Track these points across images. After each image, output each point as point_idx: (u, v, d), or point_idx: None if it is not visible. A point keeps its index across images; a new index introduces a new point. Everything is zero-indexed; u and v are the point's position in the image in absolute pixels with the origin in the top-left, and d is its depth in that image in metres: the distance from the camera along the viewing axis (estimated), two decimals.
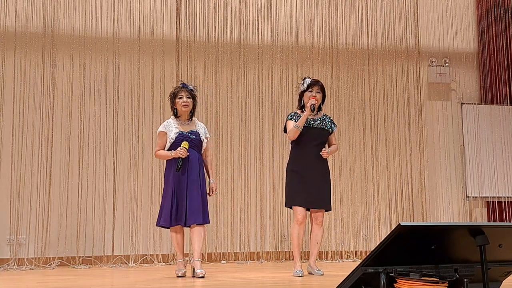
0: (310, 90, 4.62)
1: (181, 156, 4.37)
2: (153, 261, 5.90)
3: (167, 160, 4.55)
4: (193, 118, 4.65)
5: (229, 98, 6.38)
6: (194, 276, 4.41)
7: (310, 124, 4.61)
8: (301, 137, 4.57)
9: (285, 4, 6.60)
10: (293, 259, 4.66)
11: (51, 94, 5.97)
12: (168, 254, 5.96)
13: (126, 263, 5.80)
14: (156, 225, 4.61)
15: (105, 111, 6.10)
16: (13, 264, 5.55)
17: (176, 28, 6.32)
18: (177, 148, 4.43)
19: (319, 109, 4.72)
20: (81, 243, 5.81)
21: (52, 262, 5.66)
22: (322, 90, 4.67)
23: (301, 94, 4.69)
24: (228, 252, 6.13)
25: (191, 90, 4.61)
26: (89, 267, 5.64)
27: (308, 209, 4.62)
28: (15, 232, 5.67)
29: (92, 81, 6.10)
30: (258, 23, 6.52)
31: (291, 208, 4.68)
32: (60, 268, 5.60)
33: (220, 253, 6.11)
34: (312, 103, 4.52)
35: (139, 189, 6.02)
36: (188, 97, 4.57)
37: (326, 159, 4.64)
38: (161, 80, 6.24)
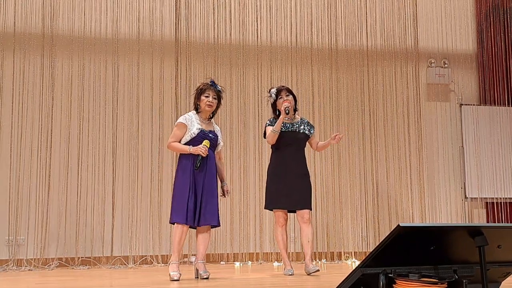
0: (280, 97, 4.77)
1: (202, 154, 4.28)
2: (152, 262, 5.89)
3: (182, 155, 4.40)
4: (212, 120, 4.59)
5: (228, 99, 6.38)
6: (197, 277, 4.40)
7: (288, 128, 4.75)
8: (280, 141, 4.71)
9: (284, 5, 6.60)
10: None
11: (50, 95, 5.97)
12: (167, 255, 5.95)
13: (125, 264, 5.80)
14: (171, 222, 4.39)
15: (104, 112, 6.09)
16: (12, 265, 5.55)
17: (175, 29, 6.32)
18: (196, 144, 4.33)
19: (295, 111, 4.85)
20: (80, 243, 5.80)
21: (51, 263, 5.65)
22: (290, 92, 4.82)
23: (273, 105, 4.85)
24: (227, 253, 6.13)
25: (219, 91, 4.54)
26: (88, 268, 5.64)
27: (290, 211, 4.78)
28: (14, 232, 5.66)
29: (92, 82, 6.09)
30: (257, 24, 6.52)
31: (270, 210, 4.82)
32: (59, 269, 5.59)
33: (219, 253, 6.11)
34: (286, 106, 4.62)
35: (138, 189, 6.02)
36: (214, 98, 4.49)
37: (304, 161, 4.78)
38: (160, 81, 6.24)
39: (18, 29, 5.95)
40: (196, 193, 4.31)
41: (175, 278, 4.27)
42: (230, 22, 6.45)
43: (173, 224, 4.39)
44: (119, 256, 5.86)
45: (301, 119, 4.88)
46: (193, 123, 4.42)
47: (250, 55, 6.47)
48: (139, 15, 6.27)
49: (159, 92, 6.21)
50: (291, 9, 6.62)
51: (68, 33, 6.08)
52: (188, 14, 6.35)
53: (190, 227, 4.40)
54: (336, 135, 4.75)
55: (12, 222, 5.68)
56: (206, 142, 4.33)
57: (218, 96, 4.54)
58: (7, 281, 4.54)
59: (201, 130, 4.40)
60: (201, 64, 6.34)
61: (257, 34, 6.51)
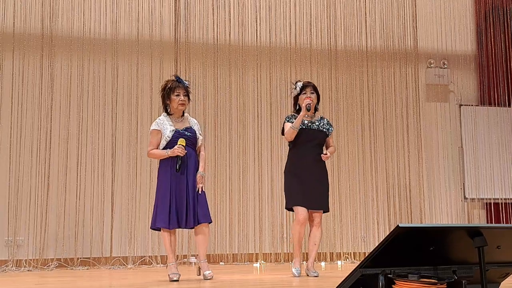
0: (304, 92, 4.66)
1: (180, 154, 4.20)
2: (152, 263, 5.89)
3: (161, 160, 4.34)
4: (185, 114, 4.49)
5: (228, 99, 6.38)
6: (199, 275, 4.41)
7: (307, 126, 4.63)
8: (298, 139, 4.60)
9: (283, 6, 6.60)
10: (292, 261, 4.67)
11: (50, 95, 5.96)
12: (166, 256, 5.94)
13: (124, 265, 5.79)
14: (152, 228, 4.38)
15: (104, 113, 6.09)
16: (11, 265, 5.55)
17: (175, 29, 6.32)
18: (173, 146, 4.24)
19: (315, 110, 4.75)
20: (79, 244, 5.80)
21: (50, 263, 5.65)
22: (316, 90, 4.72)
23: (295, 98, 4.73)
24: (227, 254, 6.13)
25: (187, 86, 4.45)
26: (87, 269, 5.63)
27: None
28: (13, 233, 5.66)
29: (91, 83, 6.09)
30: (256, 24, 6.52)
31: (291, 210, 4.67)
32: (59, 269, 5.59)
33: (218, 254, 6.11)
34: (308, 103, 4.54)
35: (137, 190, 6.01)
36: (185, 95, 4.38)
37: (322, 160, 4.64)
38: (160, 82, 6.21)
39: (17, 30, 5.95)
40: (181, 195, 4.25)
41: (175, 279, 4.26)
42: (230, 22, 6.45)
43: (158, 230, 4.35)
44: (118, 257, 5.86)
45: (321, 117, 4.78)
46: (165, 126, 4.33)
47: (250, 55, 6.47)
48: (138, 16, 6.27)
49: (159, 93, 6.19)
50: (290, 10, 6.62)
51: (67, 34, 6.08)
52: (188, 14, 6.35)
53: (185, 227, 4.36)
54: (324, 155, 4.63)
55: (11, 222, 5.68)
56: (181, 141, 4.23)
57: (187, 92, 4.43)
58: (6, 281, 4.54)
59: (175, 131, 4.31)
60: (200, 64, 6.34)
61: (256, 34, 6.51)
